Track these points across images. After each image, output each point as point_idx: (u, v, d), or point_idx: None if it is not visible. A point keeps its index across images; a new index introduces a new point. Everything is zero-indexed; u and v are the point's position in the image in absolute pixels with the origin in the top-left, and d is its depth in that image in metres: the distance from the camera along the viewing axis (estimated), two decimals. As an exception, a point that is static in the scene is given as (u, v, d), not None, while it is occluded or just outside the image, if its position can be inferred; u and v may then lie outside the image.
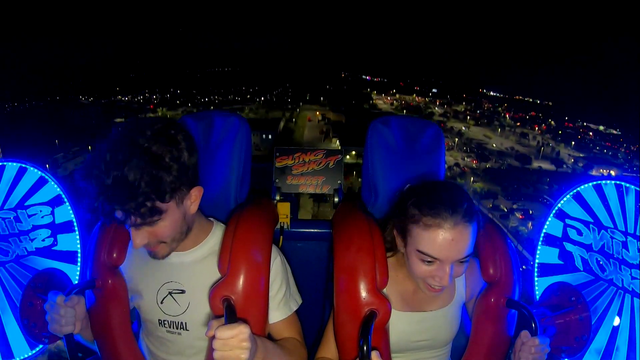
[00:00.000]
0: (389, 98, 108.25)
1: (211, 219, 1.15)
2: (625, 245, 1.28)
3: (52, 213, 1.43)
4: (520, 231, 35.82)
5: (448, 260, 0.95)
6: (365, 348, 0.86)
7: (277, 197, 1.49)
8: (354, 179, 45.05)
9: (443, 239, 0.93)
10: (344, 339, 1.05)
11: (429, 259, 0.96)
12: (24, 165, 1.41)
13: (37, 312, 1.18)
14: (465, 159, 55.53)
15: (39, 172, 1.42)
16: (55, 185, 1.43)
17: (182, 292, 1.07)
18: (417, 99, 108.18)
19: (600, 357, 1.31)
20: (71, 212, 1.44)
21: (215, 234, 1.11)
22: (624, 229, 1.28)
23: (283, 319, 1.10)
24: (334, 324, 1.08)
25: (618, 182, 1.31)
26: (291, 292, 1.14)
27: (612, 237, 1.31)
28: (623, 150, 61.60)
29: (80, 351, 1.14)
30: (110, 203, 0.83)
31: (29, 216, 1.41)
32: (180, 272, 1.07)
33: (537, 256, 1.47)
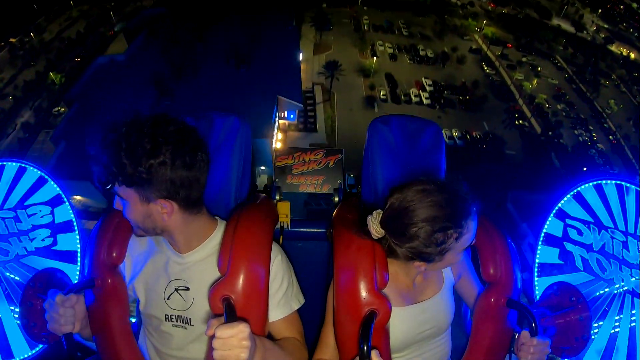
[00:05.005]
0: None
1: (216, 217, 1.16)
2: (625, 245, 1.28)
3: (52, 213, 1.42)
4: (524, 86, 34.37)
5: None
6: (365, 348, 0.86)
7: (277, 197, 1.49)
8: (359, 7, 43.48)
9: (471, 235, 1.00)
10: (344, 339, 1.05)
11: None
12: (23, 165, 1.41)
13: (36, 311, 1.17)
14: (482, -1, 50.25)
15: (39, 172, 1.42)
16: (55, 185, 1.43)
17: (187, 289, 1.08)
18: None
19: (600, 357, 1.31)
20: (71, 211, 1.44)
21: (219, 232, 1.12)
22: (624, 229, 1.28)
23: (283, 317, 1.10)
24: (334, 324, 1.08)
25: (619, 182, 1.31)
26: (293, 291, 1.13)
27: (612, 237, 1.31)
28: (650, 35, 53.86)
29: (80, 351, 1.13)
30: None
31: (29, 216, 1.41)
32: (185, 270, 1.09)
33: (537, 256, 1.47)
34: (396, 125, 1.41)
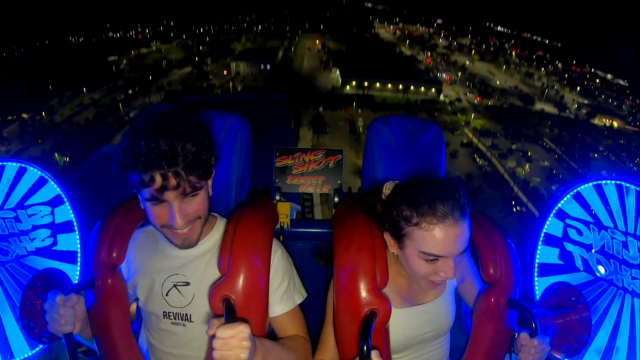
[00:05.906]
0: (391, 27, 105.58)
1: (214, 214, 1.16)
2: (625, 245, 1.28)
3: (52, 213, 1.42)
4: (517, 173, 35.20)
5: (452, 256, 0.96)
6: (365, 348, 0.86)
7: (277, 197, 1.49)
8: (353, 110, 45.09)
9: (446, 237, 0.93)
10: (344, 339, 1.05)
11: (433, 258, 0.96)
12: (23, 165, 1.41)
13: (36, 312, 1.17)
14: (468, 94, 53.87)
15: (39, 172, 1.42)
16: (55, 185, 1.43)
17: (187, 284, 1.08)
18: (420, 29, 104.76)
19: (600, 357, 1.31)
20: (71, 212, 1.44)
21: (219, 229, 1.13)
22: (624, 229, 1.28)
23: (286, 312, 1.10)
24: (334, 324, 1.08)
25: (618, 182, 1.31)
26: (295, 285, 1.14)
27: (612, 237, 1.31)
28: (628, 102, 57.50)
29: (80, 351, 1.13)
30: (169, 166, 0.89)
31: (29, 216, 1.41)
32: (185, 265, 1.09)
33: (537, 256, 1.47)
34: (396, 125, 1.41)
